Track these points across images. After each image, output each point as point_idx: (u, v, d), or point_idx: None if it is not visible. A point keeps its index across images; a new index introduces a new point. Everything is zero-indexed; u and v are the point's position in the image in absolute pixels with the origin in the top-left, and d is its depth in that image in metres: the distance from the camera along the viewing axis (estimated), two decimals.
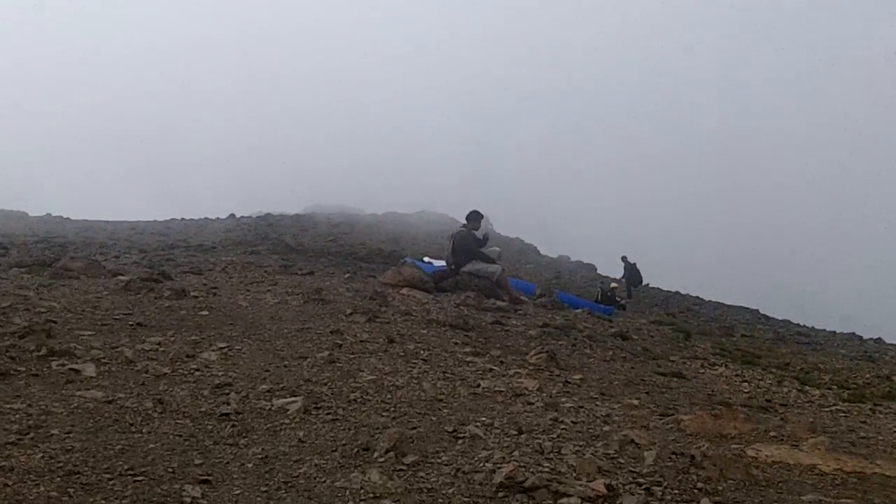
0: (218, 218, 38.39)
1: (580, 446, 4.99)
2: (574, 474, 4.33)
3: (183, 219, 35.64)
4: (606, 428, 5.56)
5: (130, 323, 8.27)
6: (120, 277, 12.22)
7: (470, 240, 14.13)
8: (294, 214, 44.53)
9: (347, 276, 13.86)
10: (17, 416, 4.72)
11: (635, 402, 6.66)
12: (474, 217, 14.39)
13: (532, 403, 6.22)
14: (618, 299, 23.71)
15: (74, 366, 6.13)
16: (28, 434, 4.38)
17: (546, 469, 4.39)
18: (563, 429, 5.44)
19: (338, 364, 6.95)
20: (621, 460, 4.75)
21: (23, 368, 5.88)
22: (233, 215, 38.11)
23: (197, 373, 6.30)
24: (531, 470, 4.37)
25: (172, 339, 7.56)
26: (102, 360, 6.45)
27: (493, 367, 7.59)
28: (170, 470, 4.08)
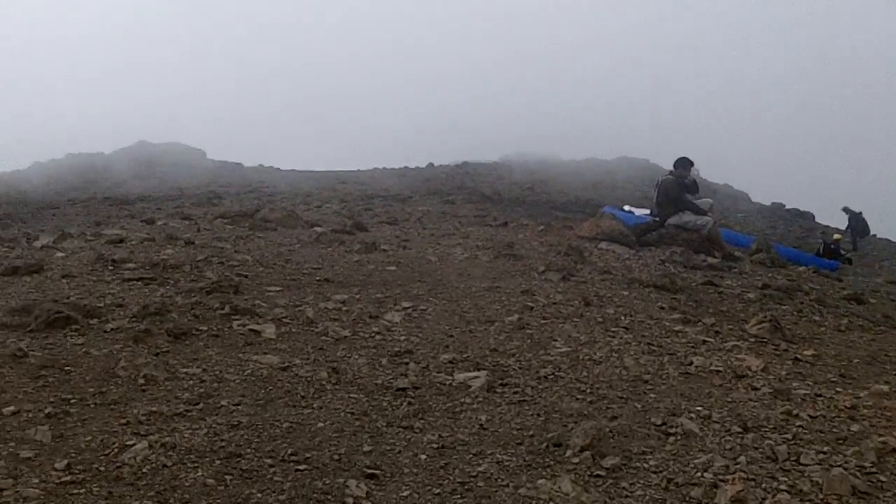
0: (417, 167, 40.35)
1: (824, 454, 4.18)
2: (821, 496, 3.61)
3: (385, 168, 37.97)
4: (855, 427, 4.60)
5: (318, 279, 8.78)
6: (315, 229, 13.18)
7: (678, 188, 13.11)
8: (492, 162, 45.40)
9: (542, 228, 13.66)
10: (191, 382, 5.10)
11: (884, 387, 5.52)
12: (683, 164, 13.36)
13: (757, 388, 5.41)
14: (842, 252, 21.04)
15: (255, 326, 6.56)
16: (197, 405, 4.69)
17: (784, 488, 3.72)
18: (799, 426, 4.61)
19: (527, 330, 6.75)
20: (882, 478, 3.90)
21: (204, 328, 6.41)
22: (431, 164, 40.00)
23: (378, 336, 6.42)
24: (764, 486, 3.74)
25: (357, 296, 7.84)
26: (284, 321, 6.84)
27: (707, 339, 6.90)
28: (335, 458, 4.09)
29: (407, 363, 5.67)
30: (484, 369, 5.50)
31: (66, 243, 10.75)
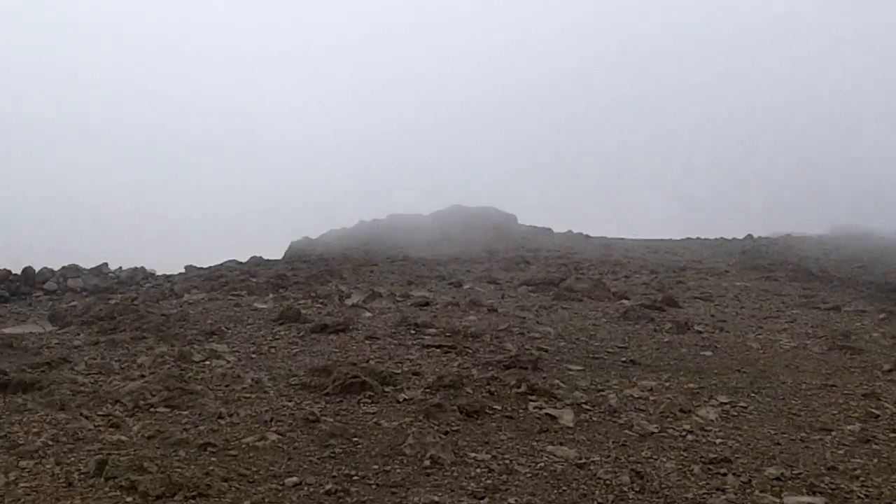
0: (734, 238, 38.48)
1: None
2: None
3: (698, 238, 36.71)
4: None
5: (623, 359, 8.58)
6: (623, 302, 13.04)
7: None
8: (817, 235, 41.47)
9: (882, 315, 11.97)
10: (478, 470, 5.17)
11: None
12: None
13: None
14: None
15: (552, 410, 6.54)
16: (482, 498, 4.70)
17: None
18: None
19: (873, 445, 5.85)
20: None
21: (498, 407, 6.54)
22: (750, 236, 38.04)
23: (689, 436, 6.00)
24: None
25: (667, 384, 7.48)
26: (584, 406, 6.73)
27: None
28: None
29: (724, 474, 5.20)
30: (820, 493, 4.83)
31: (375, 303, 11.87)
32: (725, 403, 6.85)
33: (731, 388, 7.37)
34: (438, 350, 8.53)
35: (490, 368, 7.76)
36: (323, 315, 10.62)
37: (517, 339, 9.44)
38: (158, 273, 23.46)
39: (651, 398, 7.01)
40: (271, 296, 12.33)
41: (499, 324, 10.29)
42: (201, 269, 23.49)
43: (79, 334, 9.43)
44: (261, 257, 34.14)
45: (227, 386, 6.84)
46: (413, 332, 9.48)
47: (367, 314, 10.80)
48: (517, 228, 42.02)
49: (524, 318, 11.05)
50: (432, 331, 9.52)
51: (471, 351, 8.61)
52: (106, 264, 18.65)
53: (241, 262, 27.50)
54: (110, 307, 10.64)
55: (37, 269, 17.30)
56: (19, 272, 16.96)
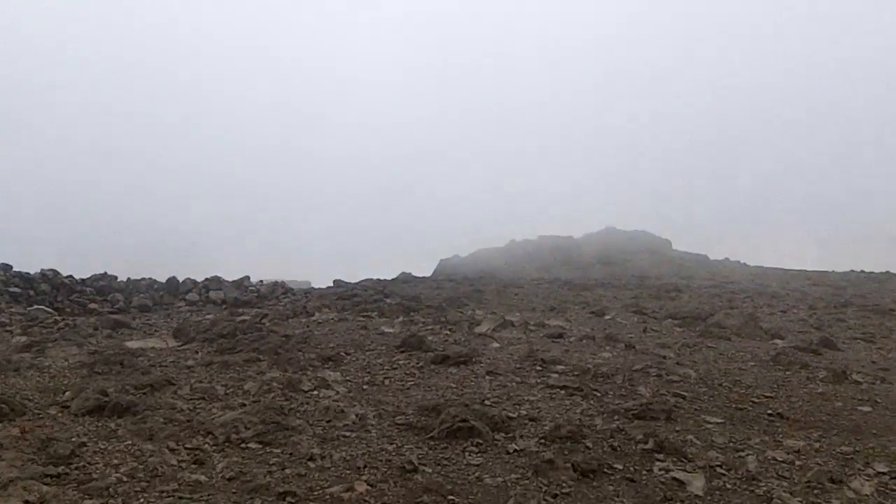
0: None
1: None
2: None
3: (862, 271, 33.27)
4: None
5: (769, 412, 7.46)
6: (775, 342, 11.68)
7: None
8: None
9: None
10: None
11: None
12: None
13: None
14: None
15: (681, 473, 5.64)
16: None
17: None
18: None
19: None
20: None
21: (619, 466, 5.72)
22: None
23: None
24: None
25: (816, 445, 6.34)
26: (717, 470, 5.78)
27: None
28: None
29: None
30: None
31: (505, 332, 11.23)
32: (884, 474, 5.69)
33: (891, 455, 6.15)
34: (563, 392, 7.76)
35: (616, 418, 6.92)
36: (448, 344, 10.10)
37: (653, 382, 8.50)
38: (302, 286, 23.94)
39: (797, 463, 5.95)
40: (400, 319, 11.98)
41: (635, 363, 9.37)
42: (346, 284, 23.79)
43: (197, 353, 9.40)
44: (410, 274, 34.52)
45: (328, 422, 6.40)
46: (539, 368, 8.76)
47: (495, 345, 10.18)
48: (671, 254, 40.17)
49: (664, 357, 10.05)
50: (560, 368, 8.75)
51: (598, 394, 7.78)
52: (248, 277, 19.08)
53: (384, 280, 27.75)
54: (234, 325, 10.59)
55: (184, 278, 17.94)
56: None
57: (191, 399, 6.95)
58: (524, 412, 6.94)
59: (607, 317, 14.88)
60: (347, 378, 8.09)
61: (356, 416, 6.61)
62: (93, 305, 15.85)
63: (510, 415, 6.80)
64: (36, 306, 14.47)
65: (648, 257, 38.79)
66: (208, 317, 13.29)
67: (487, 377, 8.23)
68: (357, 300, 14.45)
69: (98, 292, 16.78)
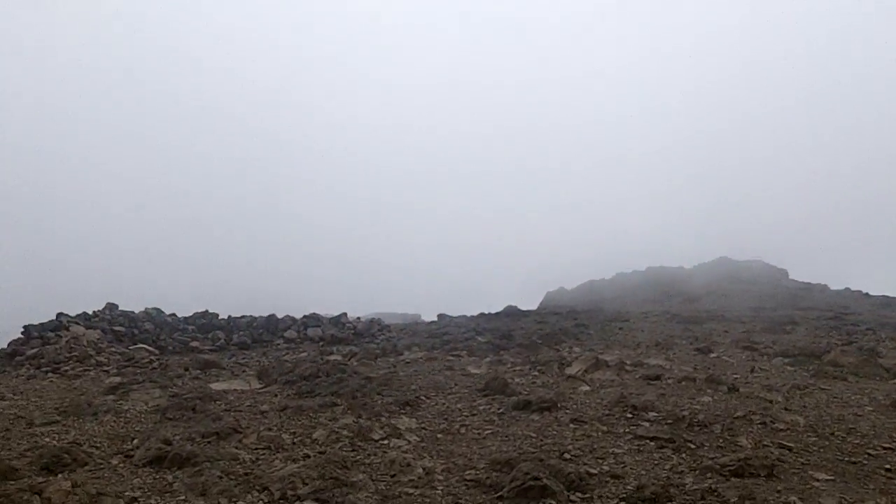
0: None
1: None
2: None
3: None
4: None
5: (887, 466, 6.50)
6: None
7: None
8: None
9: None
10: None
11: None
12: None
13: None
14: None
15: None
16: None
17: None
18: None
19: None
20: None
21: None
22: None
23: None
24: None
25: None
26: None
27: None
28: None
29: None
30: None
31: (598, 373, 10.53)
32: None
33: None
34: (652, 443, 7.05)
35: (710, 475, 6.18)
36: (534, 387, 9.52)
37: (755, 431, 7.65)
38: (411, 319, 23.73)
39: None
40: (488, 359, 11.47)
41: (737, 409, 8.51)
42: (447, 318, 23.48)
43: (276, 395, 9.20)
44: (515, 307, 33.94)
45: (392, 476, 5.98)
46: (629, 415, 8.06)
47: (585, 388, 9.52)
48: (788, 284, 37.92)
49: (770, 401, 9.11)
50: (652, 415, 8.02)
51: (692, 446, 7.02)
52: (345, 314, 19.00)
53: (487, 314, 27.32)
54: (317, 366, 10.34)
55: (283, 315, 18.05)
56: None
57: (255, 449, 6.69)
58: (606, 468, 6.30)
59: (713, 354, 13.87)
60: (422, 425, 7.66)
61: (423, 469, 6.16)
62: (194, 343, 16.11)
63: (590, 470, 6.17)
64: (139, 345, 14.81)
65: (764, 288, 36.78)
66: (302, 354, 13.20)
67: (571, 426, 7.61)
68: (447, 338, 14.04)
69: (200, 330, 17.10)
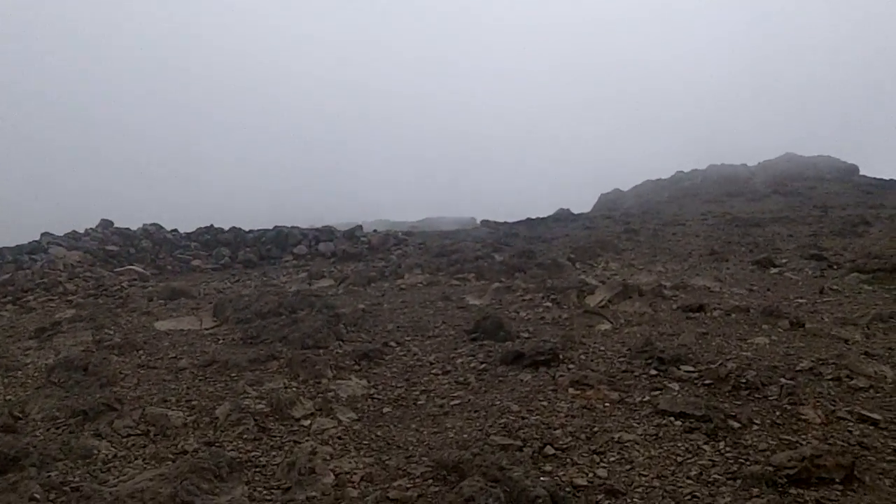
0: None
1: None
2: None
3: None
4: None
5: None
6: None
7: None
8: None
9: None
10: None
11: None
12: None
13: None
14: None
15: None
16: None
17: None
18: None
19: None
20: None
21: None
22: None
23: None
24: None
25: None
26: None
27: None
28: None
29: None
30: None
31: (626, 305, 8.15)
32: None
33: None
34: (679, 423, 4.77)
35: (757, 485, 3.93)
36: (540, 326, 7.27)
37: (827, 392, 5.32)
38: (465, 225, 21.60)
39: None
40: (496, 285, 9.20)
41: (801, 356, 6.13)
42: (491, 224, 21.44)
43: (218, 341, 7.23)
44: (568, 210, 31.41)
45: (284, 491, 3.92)
46: (654, 372, 5.75)
47: (604, 326, 7.22)
48: (859, 180, 34.06)
49: (846, 341, 6.70)
50: (685, 371, 5.70)
51: (736, 427, 4.72)
52: (360, 227, 16.85)
53: (536, 219, 25.22)
54: (277, 301, 8.23)
55: (293, 227, 15.99)
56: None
57: (125, 437, 4.72)
58: (601, 473, 4.09)
59: (774, 269, 11.32)
60: (372, 391, 5.56)
61: (334, 477, 4.07)
62: (196, 262, 14.30)
63: (577, 480, 3.99)
64: (130, 266, 13.06)
65: (832, 185, 33.16)
66: (302, 274, 11.23)
67: (570, 391, 5.37)
68: (455, 258, 11.73)
69: (203, 247, 15.21)
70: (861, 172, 35.94)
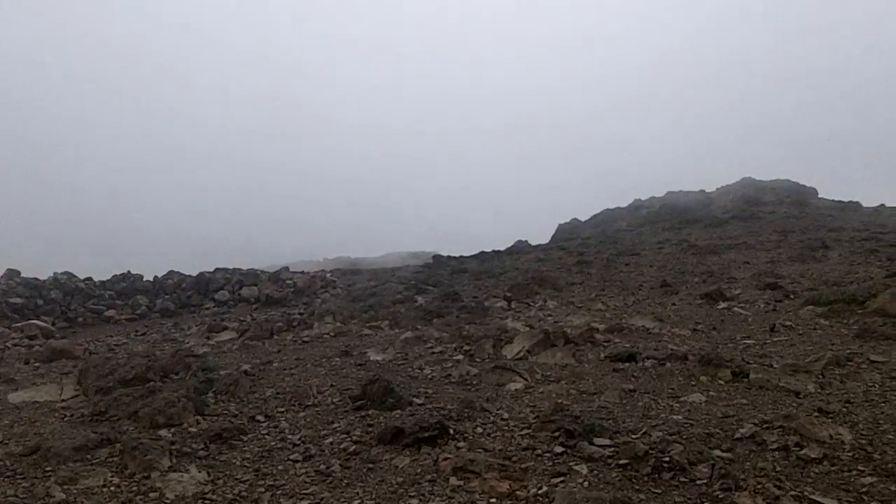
0: None
1: None
2: None
3: None
4: None
5: None
6: None
7: None
8: None
9: None
10: None
11: None
12: None
13: None
14: None
15: None
16: None
17: None
18: None
19: None
20: None
21: None
22: None
23: None
24: None
25: None
26: None
27: None
28: None
29: None
30: None
31: (546, 356, 7.06)
32: None
33: None
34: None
35: None
36: (440, 387, 6.16)
37: (772, 470, 4.27)
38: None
39: None
40: (407, 335, 8.07)
41: (742, 418, 5.09)
42: (442, 259, 20.47)
43: (64, 418, 6.02)
44: (526, 242, 30.56)
45: None
46: (561, 449, 4.62)
47: (516, 385, 6.12)
48: (818, 204, 33.58)
49: (797, 395, 5.68)
50: (598, 446, 4.58)
51: None
52: (286, 268, 15.64)
53: (491, 252, 24.44)
54: (145, 364, 6.96)
55: (216, 270, 14.73)
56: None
57: None
58: None
59: (723, 304, 10.33)
60: (206, 489, 4.38)
61: None
62: (110, 312, 13.03)
63: None
64: (35, 321, 11.75)
65: (791, 209, 32.66)
66: (204, 326, 10.02)
67: (451, 481, 4.24)
68: (373, 302, 10.56)
69: (119, 295, 13.91)
70: (820, 195, 35.58)
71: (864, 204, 32.15)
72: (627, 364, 6.64)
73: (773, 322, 8.68)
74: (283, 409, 5.80)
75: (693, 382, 6.07)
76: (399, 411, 5.43)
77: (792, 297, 11.04)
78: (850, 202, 32.83)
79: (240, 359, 7.89)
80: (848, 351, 7.02)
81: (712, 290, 11.46)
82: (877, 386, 5.83)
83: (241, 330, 9.41)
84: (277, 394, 6.23)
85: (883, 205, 31.48)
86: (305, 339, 8.62)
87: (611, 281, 16.03)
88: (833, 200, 33.70)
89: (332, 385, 6.39)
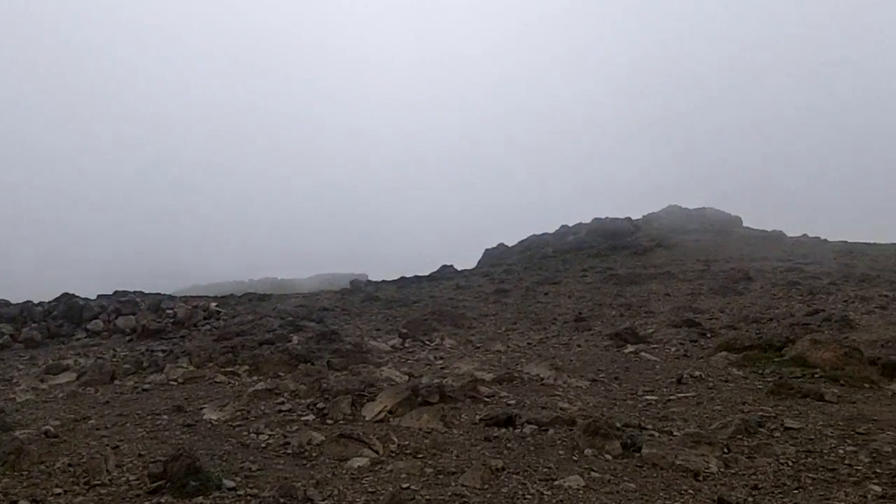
0: None
1: None
2: None
3: None
4: None
5: None
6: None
7: None
8: None
9: None
10: None
11: None
12: None
13: None
14: None
15: None
16: None
17: None
18: None
19: None
20: None
21: None
22: None
23: None
24: None
25: None
26: None
27: None
28: None
29: None
30: None
31: (410, 418, 5.93)
32: None
33: None
34: None
35: None
36: (269, 461, 4.97)
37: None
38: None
39: None
40: (258, 386, 6.83)
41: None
42: (344, 284, 19.28)
43: None
44: (452, 267, 29.60)
45: None
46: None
47: (359, 462, 4.96)
48: (742, 233, 33.58)
49: (697, 476, 4.67)
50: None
51: None
52: (168, 297, 14.22)
53: (412, 278, 23.32)
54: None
55: (96, 296, 13.18)
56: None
57: None
58: None
59: (630, 348, 9.39)
60: None
61: None
62: None
63: None
64: None
65: (716, 237, 32.55)
66: (42, 366, 8.56)
67: None
68: (239, 341, 9.27)
69: None
70: (745, 224, 35.69)
71: (788, 234, 32.28)
72: (504, 430, 5.55)
73: (681, 372, 7.74)
74: (60, 491, 4.50)
75: (575, 458, 5.00)
76: (201, 498, 4.21)
77: (709, 335, 10.26)
78: (774, 231, 32.93)
79: (56, 412, 6.52)
80: (760, 413, 6.08)
81: (623, 329, 10.55)
82: (790, 464, 4.86)
83: (81, 372, 8.01)
84: (69, 465, 4.92)
85: (805, 235, 31.63)
86: (147, 386, 7.30)
87: (525, 313, 15.11)
88: (757, 230, 33.78)
89: (140, 455, 5.10)
